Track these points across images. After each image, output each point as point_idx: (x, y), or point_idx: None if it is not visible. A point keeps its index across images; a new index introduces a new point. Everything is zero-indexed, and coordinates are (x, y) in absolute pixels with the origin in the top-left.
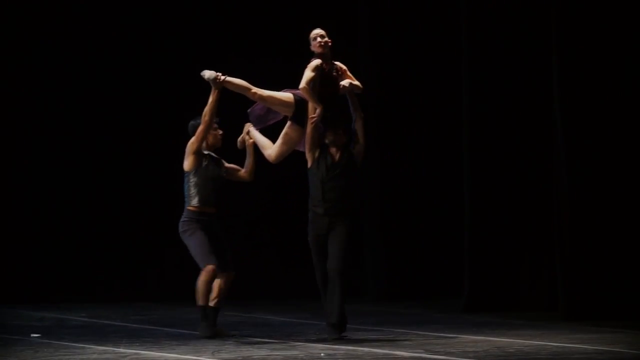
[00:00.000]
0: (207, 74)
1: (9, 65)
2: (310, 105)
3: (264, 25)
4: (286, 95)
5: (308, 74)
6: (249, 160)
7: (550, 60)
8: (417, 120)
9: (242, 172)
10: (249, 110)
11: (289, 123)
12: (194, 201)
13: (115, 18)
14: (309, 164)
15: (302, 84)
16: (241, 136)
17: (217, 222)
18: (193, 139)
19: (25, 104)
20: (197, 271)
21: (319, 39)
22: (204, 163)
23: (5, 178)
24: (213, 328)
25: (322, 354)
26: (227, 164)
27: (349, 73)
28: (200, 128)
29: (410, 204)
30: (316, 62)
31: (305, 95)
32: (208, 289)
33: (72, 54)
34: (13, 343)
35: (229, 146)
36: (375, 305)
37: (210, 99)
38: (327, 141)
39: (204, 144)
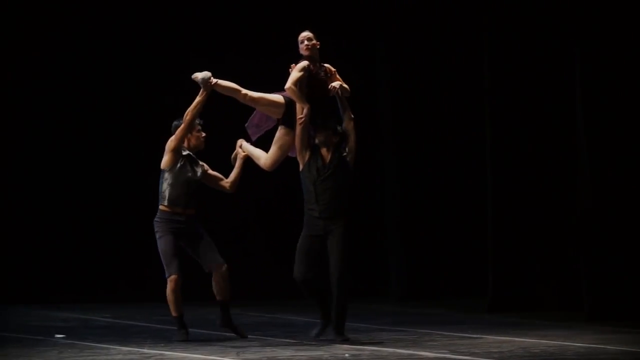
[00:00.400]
0: (200, 75)
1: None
2: (298, 106)
3: (260, 25)
4: (276, 97)
5: (294, 74)
6: (235, 172)
7: (572, 57)
8: (438, 119)
9: (225, 182)
10: (246, 125)
11: (280, 127)
12: (162, 200)
13: (104, 17)
14: (301, 167)
15: (288, 84)
16: (235, 152)
17: (192, 223)
18: (172, 137)
19: (19, 104)
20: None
21: (305, 42)
22: (180, 163)
23: (22, 177)
24: (186, 334)
25: (346, 355)
26: (210, 171)
27: (338, 75)
28: (181, 127)
29: (432, 204)
30: (303, 63)
31: (292, 95)
32: (177, 298)
33: (68, 52)
34: (37, 344)
35: (219, 154)
36: (399, 306)
37: (196, 100)
38: (317, 142)
39: (185, 145)
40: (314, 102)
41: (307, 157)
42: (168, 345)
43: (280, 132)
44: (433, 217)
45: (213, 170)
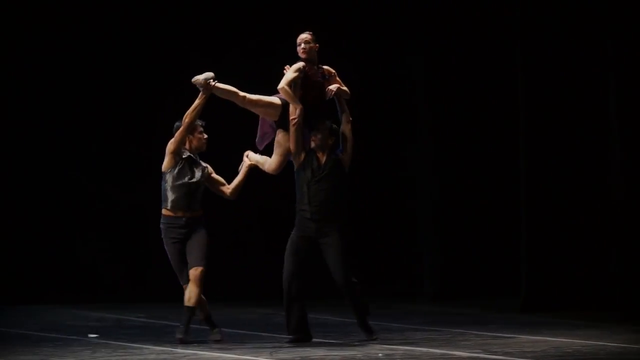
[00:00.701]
0: (203, 75)
1: None
2: (291, 107)
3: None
4: (273, 98)
5: (288, 74)
6: (238, 179)
7: (606, 58)
8: (472, 119)
9: (227, 187)
10: (256, 140)
11: (278, 131)
12: (166, 204)
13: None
14: (296, 167)
15: (281, 84)
16: (242, 163)
17: (195, 226)
18: (172, 140)
19: (19, 106)
20: (252, 270)
21: (303, 45)
22: (180, 165)
23: (47, 176)
24: (187, 333)
25: (380, 354)
26: (213, 174)
27: (337, 78)
28: (180, 129)
29: (465, 204)
30: (298, 64)
31: (284, 96)
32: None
33: (68, 53)
34: (71, 343)
35: (223, 156)
36: (432, 306)
37: (195, 103)
38: (312, 145)
39: (187, 146)
40: (309, 104)
41: (302, 158)
42: (201, 345)
43: (279, 136)
44: (466, 217)
45: (218, 174)
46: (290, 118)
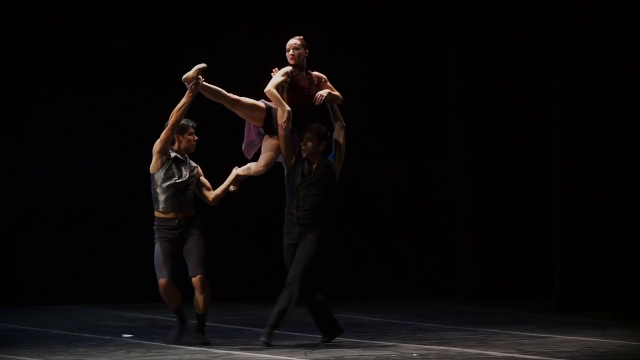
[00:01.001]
0: (193, 69)
1: None
2: (279, 111)
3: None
4: (258, 101)
5: (275, 78)
6: (221, 188)
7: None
8: (506, 118)
9: (209, 193)
10: (243, 148)
11: (265, 137)
12: (157, 205)
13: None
14: (286, 171)
15: (268, 87)
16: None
17: (188, 226)
18: (158, 139)
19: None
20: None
21: (292, 51)
22: (166, 166)
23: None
24: (180, 334)
25: (414, 354)
26: (202, 177)
27: (328, 83)
28: (166, 129)
29: (500, 203)
30: (286, 68)
31: (272, 99)
32: (169, 297)
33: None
34: (105, 343)
35: (213, 161)
36: (466, 305)
37: (182, 101)
38: (304, 154)
39: (175, 146)
40: (295, 110)
41: (292, 162)
42: (236, 345)
43: (266, 142)
44: (500, 217)
45: (206, 177)
46: (280, 122)
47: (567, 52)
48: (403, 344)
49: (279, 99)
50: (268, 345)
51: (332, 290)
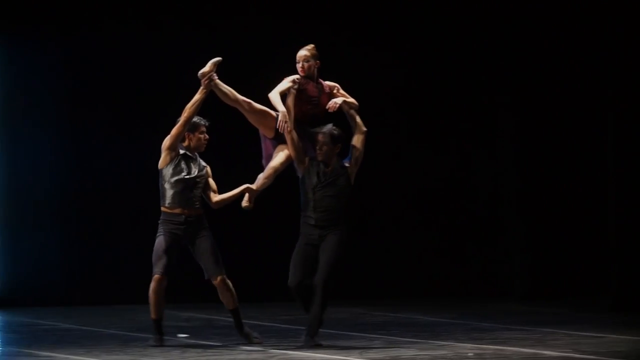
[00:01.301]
0: (209, 63)
1: None
2: (281, 115)
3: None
4: (270, 110)
5: (281, 84)
6: (227, 195)
7: None
8: (558, 116)
9: (215, 195)
10: (263, 162)
11: (277, 147)
12: (164, 201)
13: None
14: (300, 174)
15: (272, 92)
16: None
17: (195, 225)
18: (168, 136)
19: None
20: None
21: (302, 63)
22: (175, 162)
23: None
24: (161, 340)
25: (470, 354)
26: (210, 177)
27: (342, 91)
28: (177, 125)
29: (554, 202)
30: (294, 76)
31: (271, 102)
32: (157, 300)
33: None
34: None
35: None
36: (522, 305)
37: (195, 97)
38: (319, 158)
39: (185, 143)
40: (307, 120)
41: (306, 164)
42: (291, 345)
43: (277, 150)
44: (556, 216)
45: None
46: (278, 126)
47: (622, 49)
48: (459, 344)
49: (276, 102)
50: (319, 346)
51: (388, 289)
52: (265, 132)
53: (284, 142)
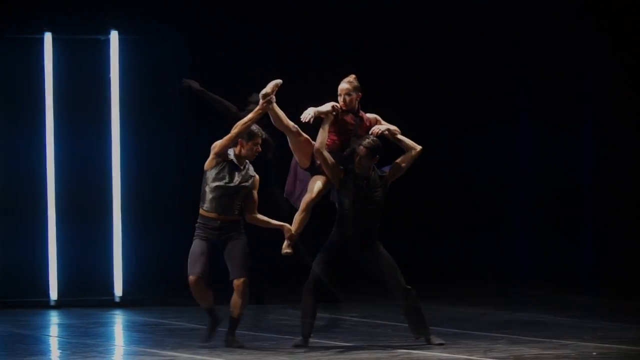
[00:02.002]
0: (268, 88)
1: None
2: (330, 106)
3: None
4: (311, 140)
5: (322, 107)
6: (264, 220)
7: None
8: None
9: (251, 211)
10: (286, 194)
11: (312, 177)
12: (202, 203)
13: None
14: (336, 187)
15: (312, 108)
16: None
17: (230, 230)
18: (219, 141)
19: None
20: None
21: (343, 96)
22: (220, 167)
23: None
24: (210, 335)
25: (594, 353)
26: (255, 189)
27: (382, 122)
28: (228, 136)
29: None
30: (334, 103)
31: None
32: (199, 295)
33: None
34: (285, 342)
35: None
36: None
37: (250, 115)
38: (356, 168)
39: (236, 149)
40: (335, 149)
41: (342, 176)
42: (414, 344)
43: (310, 182)
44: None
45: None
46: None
47: None
48: (583, 343)
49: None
50: (442, 345)
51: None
52: (301, 161)
53: (316, 173)
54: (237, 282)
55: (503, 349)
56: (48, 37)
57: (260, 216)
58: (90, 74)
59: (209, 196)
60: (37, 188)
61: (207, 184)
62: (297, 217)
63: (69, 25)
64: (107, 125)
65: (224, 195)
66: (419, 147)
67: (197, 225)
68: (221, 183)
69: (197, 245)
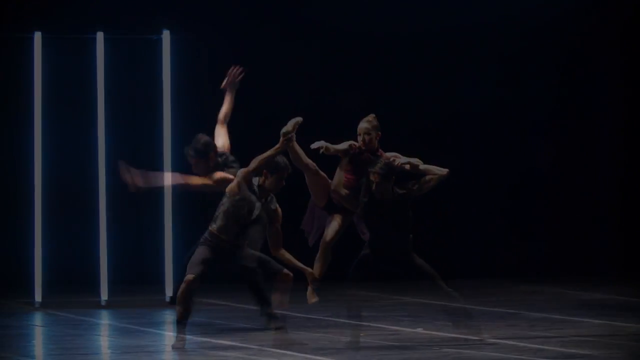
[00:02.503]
0: (291, 122)
1: None
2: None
3: None
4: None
5: (339, 145)
6: (288, 258)
7: None
8: None
9: (275, 244)
10: (306, 234)
11: (330, 216)
12: (214, 223)
13: None
14: (361, 216)
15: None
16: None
17: (238, 250)
18: (247, 169)
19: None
20: None
21: (363, 136)
22: (241, 196)
23: None
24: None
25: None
26: (277, 223)
27: (401, 158)
28: (248, 169)
29: None
30: (352, 142)
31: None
32: (184, 301)
33: None
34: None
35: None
36: None
37: (270, 152)
38: (374, 188)
39: (261, 181)
40: (350, 186)
41: (362, 205)
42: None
43: (329, 219)
44: None
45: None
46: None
47: None
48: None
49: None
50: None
51: None
52: (317, 200)
53: (333, 212)
54: (286, 272)
55: (581, 340)
56: (38, 37)
57: (285, 253)
58: (76, 73)
59: (222, 220)
60: (24, 187)
61: (224, 207)
62: (317, 261)
63: (58, 25)
64: (94, 123)
65: (237, 223)
66: (445, 171)
67: (205, 237)
68: (237, 212)
69: (199, 252)
